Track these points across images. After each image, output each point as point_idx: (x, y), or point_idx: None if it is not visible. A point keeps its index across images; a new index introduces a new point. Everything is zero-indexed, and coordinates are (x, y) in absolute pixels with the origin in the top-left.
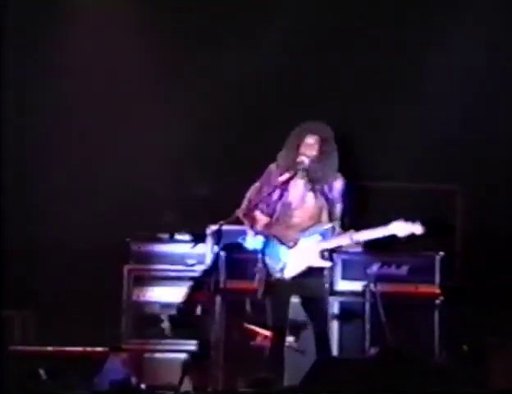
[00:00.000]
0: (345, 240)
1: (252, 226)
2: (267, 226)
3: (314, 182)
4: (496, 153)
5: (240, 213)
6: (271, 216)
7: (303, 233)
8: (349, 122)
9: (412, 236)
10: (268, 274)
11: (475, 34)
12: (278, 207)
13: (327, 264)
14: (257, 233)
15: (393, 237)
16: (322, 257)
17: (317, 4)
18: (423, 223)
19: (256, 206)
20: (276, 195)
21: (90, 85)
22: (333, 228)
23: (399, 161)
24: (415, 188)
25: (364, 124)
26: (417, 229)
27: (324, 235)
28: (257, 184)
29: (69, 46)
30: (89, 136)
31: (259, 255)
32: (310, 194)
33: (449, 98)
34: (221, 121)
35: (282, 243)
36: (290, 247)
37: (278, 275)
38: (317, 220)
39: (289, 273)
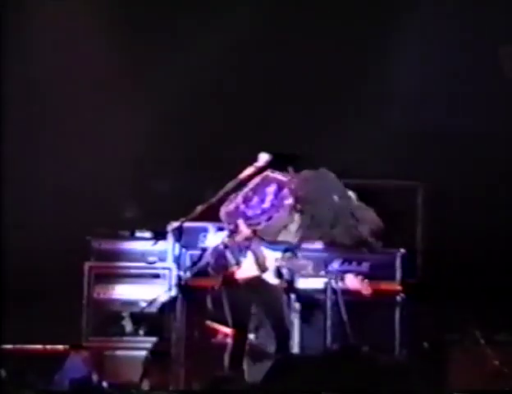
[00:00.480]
0: (301, 266)
1: (232, 232)
2: (247, 239)
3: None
4: (458, 150)
5: (222, 211)
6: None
7: (269, 244)
8: (310, 121)
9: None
10: (223, 264)
11: (441, 32)
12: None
13: (275, 282)
14: (237, 243)
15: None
16: (276, 274)
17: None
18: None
19: (240, 212)
20: (257, 200)
21: (57, 85)
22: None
23: (360, 158)
24: (377, 185)
25: (327, 122)
26: (365, 289)
27: (286, 254)
28: (246, 188)
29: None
30: (51, 133)
31: (220, 246)
32: (286, 207)
33: (411, 96)
34: (186, 118)
35: (258, 265)
36: (262, 271)
37: (232, 268)
38: (283, 230)
39: (240, 274)
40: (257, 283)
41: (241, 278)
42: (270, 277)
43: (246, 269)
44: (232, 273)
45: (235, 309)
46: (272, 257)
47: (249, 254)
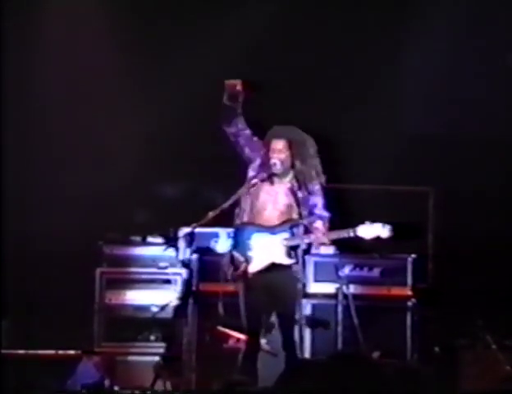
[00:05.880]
0: (311, 238)
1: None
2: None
3: (290, 181)
4: (469, 155)
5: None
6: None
7: (271, 229)
8: (323, 125)
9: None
10: (234, 266)
11: (448, 35)
12: (247, 213)
13: (291, 262)
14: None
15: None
16: (288, 254)
17: (291, 4)
18: (392, 226)
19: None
20: (244, 203)
21: (62, 88)
22: (303, 226)
23: (371, 163)
24: (388, 190)
25: (337, 127)
26: (383, 232)
27: (292, 233)
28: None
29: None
30: (61, 138)
31: (227, 250)
32: (281, 195)
33: (422, 101)
34: (195, 122)
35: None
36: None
37: (243, 266)
38: (286, 216)
39: (254, 268)
40: (274, 284)
41: (254, 272)
42: (282, 259)
43: (258, 261)
44: (245, 272)
45: (250, 315)
46: (278, 240)
47: (255, 247)
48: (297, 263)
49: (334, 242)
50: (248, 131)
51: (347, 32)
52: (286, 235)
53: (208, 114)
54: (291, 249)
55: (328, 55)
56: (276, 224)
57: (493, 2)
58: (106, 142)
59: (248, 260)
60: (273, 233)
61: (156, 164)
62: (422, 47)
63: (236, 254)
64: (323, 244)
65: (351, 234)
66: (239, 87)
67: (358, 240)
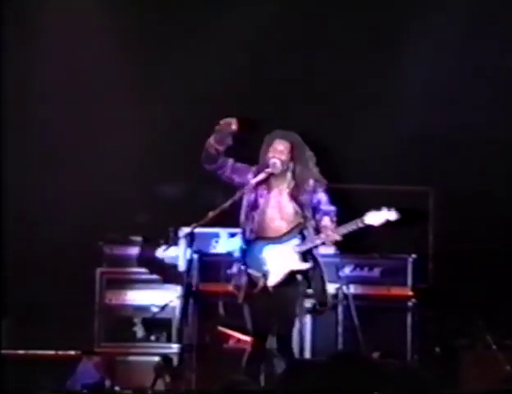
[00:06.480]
0: (322, 238)
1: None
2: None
3: (289, 187)
4: (469, 155)
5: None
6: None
7: (280, 239)
8: (323, 125)
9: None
10: (252, 284)
11: (447, 35)
12: (254, 216)
13: (308, 266)
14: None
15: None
16: (303, 259)
17: (290, 5)
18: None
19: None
20: (249, 205)
21: (62, 88)
22: (311, 229)
23: (371, 163)
24: (387, 190)
25: (337, 127)
26: (391, 215)
27: (302, 237)
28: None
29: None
30: (61, 138)
31: (242, 267)
32: (285, 199)
33: (422, 101)
34: (195, 122)
35: (269, 239)
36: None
37: (262, 282)
38: (294, 223)
39: (272, 281)
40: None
41: (274, 284)
42: (299, 265)
43: (275, 273)
44: (263, 286)
45: (255, 317)
46: (289, 248)
47: (269, 260)
48: (315, 265)
49: (334, 242)
50: (230, 161)
51: (347, 32)
52: (296, 241)
53: (208, 114)
54: (305, 253)
55: (328, 55)
56: (283, 233)
57: (493, 2)
58: (106, 142)
59: (265, 275)
60: (283, 242)
61: (156, 164)
62: (423, 47)
63: (252, 271)
64: (335, 241)
65: (360, 224)
66: (234, 126)
67: (367, 229)
